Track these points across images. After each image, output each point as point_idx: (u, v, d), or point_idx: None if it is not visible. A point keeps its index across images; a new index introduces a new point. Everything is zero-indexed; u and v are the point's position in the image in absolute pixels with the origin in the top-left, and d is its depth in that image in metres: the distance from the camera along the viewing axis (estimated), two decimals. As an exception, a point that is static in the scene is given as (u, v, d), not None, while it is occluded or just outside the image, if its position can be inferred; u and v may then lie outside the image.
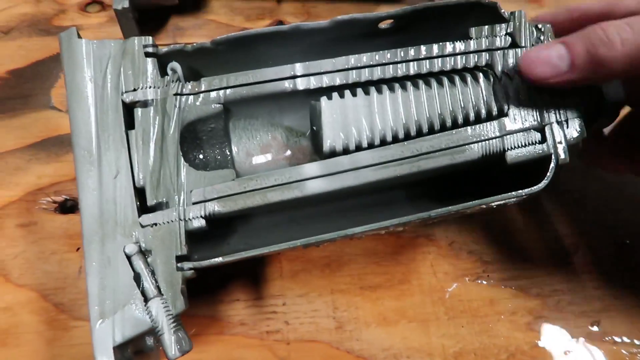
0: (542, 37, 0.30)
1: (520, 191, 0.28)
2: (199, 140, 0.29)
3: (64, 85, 0.44)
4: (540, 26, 0.29)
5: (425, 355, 0.33)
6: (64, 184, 0.40)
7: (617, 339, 0.34)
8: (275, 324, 0.35)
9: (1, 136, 0.41)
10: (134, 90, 0.27)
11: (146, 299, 0.25)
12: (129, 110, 0.28)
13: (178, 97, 0.28)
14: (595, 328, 0.34)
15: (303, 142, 0.31)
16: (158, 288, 0.25)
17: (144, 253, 0.26)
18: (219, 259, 0.26)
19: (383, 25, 0.32)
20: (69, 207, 0.39)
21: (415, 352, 0.34)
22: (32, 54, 0.47)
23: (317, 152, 0.30)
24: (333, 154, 0.28)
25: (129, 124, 0.27)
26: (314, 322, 0.35)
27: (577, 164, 0.40)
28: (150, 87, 0.28)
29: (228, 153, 0.30)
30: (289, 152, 0.31)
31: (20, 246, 0.37)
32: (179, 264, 0.26)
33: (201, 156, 0.29)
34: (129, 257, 0.25)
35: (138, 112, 0.27)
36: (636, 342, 0.34)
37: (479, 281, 0.36)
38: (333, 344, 0.34)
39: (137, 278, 0.25)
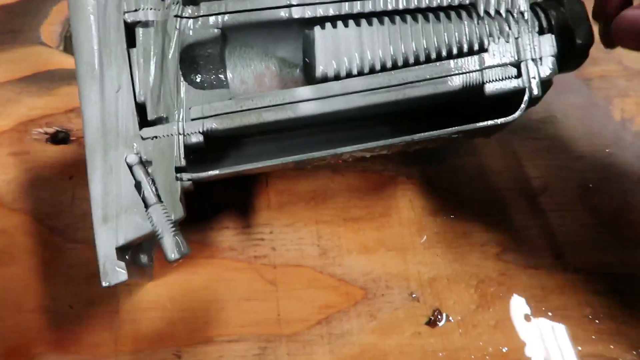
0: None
1: (496, 120, 0.30)
2: (197, 65, 0.31)
3: (53, 22, 0.45)
4: None
5: (402, 280, 0.36)
6: (55, 116, 0.40)
7: (578, 267, 0.37)
8: (262, 249, 0.37)
9: (-9, 69, 0.42)
10: (135, 10, 0.28)
11: (147, 206, 0.27)
12: (130, 29, 0.29)
13: (178, 19, 0.29)
14: (559, 259, 0.37)
15: (295, 73, 0.33)
16: (158, 196, 0.27)
17: (144, 163, 0.27)
18: (216, 171, 0.28)
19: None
20: (60, 138, 0.40)
21: (393, 277, 0.36)
22: (20, -8, 0.47)
23: (311, 80, 0.32)
24: (325, 79, 0.29)
25: (130, 43, 0.28)
26: (299, 249, 0.37)
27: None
28: (151, 8, 0.29)
29: (224, 79, 0.31)
30: (281, 82, 0.32)
31: (13, 173, 0.38)
32: (177, 175, 0.27)
33: (198, 80, 0.31)
34: (130, 167, 0.27)
35: (139, 31, 0.28)
36: (594, 270, 0.37)
37: (453, 216, 0.38)
38: (317, 268, 0.36)
39: (138, 186, 0.27)
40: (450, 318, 0.36)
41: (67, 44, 0.43)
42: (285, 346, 0.34)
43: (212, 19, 0.29)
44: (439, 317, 0.36)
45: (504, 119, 0.30)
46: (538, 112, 0.44)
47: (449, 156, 0.41)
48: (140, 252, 0.32)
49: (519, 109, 0.30)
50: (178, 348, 0.34)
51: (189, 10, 0.29)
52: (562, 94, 0.44)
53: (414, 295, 0.36)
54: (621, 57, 0.48)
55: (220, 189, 0.37)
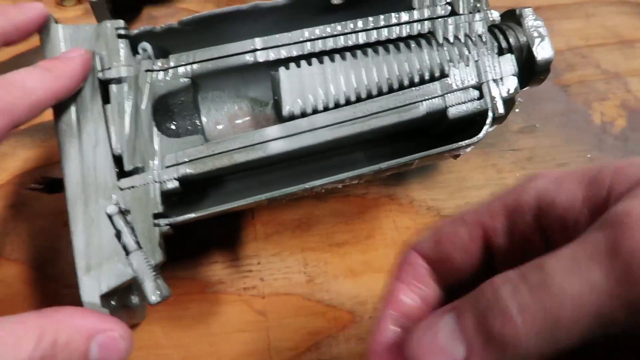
0: (478, 5, 0.33)
1: (461, 142, 0.31)
2: (171, 113, 0.32)
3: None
4: None
5: (389, 301, 0.37)
6: (48, 167, 0.42)
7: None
8: (251, 281, 0.38)
9: (-13, 124, 0.44)
10: (109, 68, 0.30)
11: (127, 253, 0.28)
12: (104, 86, 0.30)
13: (149, 73, 0.30)
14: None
15: (267, 111, 0.34)
16: (137, 243, 0.28)
17: (123, 213, 0.29)
18: (192, 215, 0.29)
19: (335, 1, 0.35)
20: (54, 187, 0.42)
21: (380, 299, 0.37)
22: (12, 47, 0.49)
23: (280, 119, 0.33)
24: (292, 117, 0.31)
25: (105, 99, 0.30)
26: (287, 278, 0.38)
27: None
28: (123, 65, 0.30)
29: (198, 123, 0.33)
30: (254, 121, 0.34)
31: (11, 225, 0.40)
32: (155, 221, 0.29)
33: (173, 127, 0.32)
34: (110, 217, 0.28)
35: (113, 88, 0.30)
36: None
37: (438, 234, 0.39)
38: (305, 295, 0.37)
39: (119, 235, 0.28)
40: (440, 336, 0.36)
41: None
42: (277, 375, 0.35)
43: (181, 69, 0.31)
44: (429, 335, 0.36)
45: (469, 140, 0.31)
46: (517, 123, 0.45)
47: (429, 174, 0.42)
48: (130, 294, 0.33)
49: (483, 129, 0.31)
50: (175, 383, 0.35)
51: (159, 63, 0.31)
52: (541, 102, 0.45)
53: (402, 316, 0.37)
54: (599, 60, 0.48)
55: (208, 225, 0.39)
